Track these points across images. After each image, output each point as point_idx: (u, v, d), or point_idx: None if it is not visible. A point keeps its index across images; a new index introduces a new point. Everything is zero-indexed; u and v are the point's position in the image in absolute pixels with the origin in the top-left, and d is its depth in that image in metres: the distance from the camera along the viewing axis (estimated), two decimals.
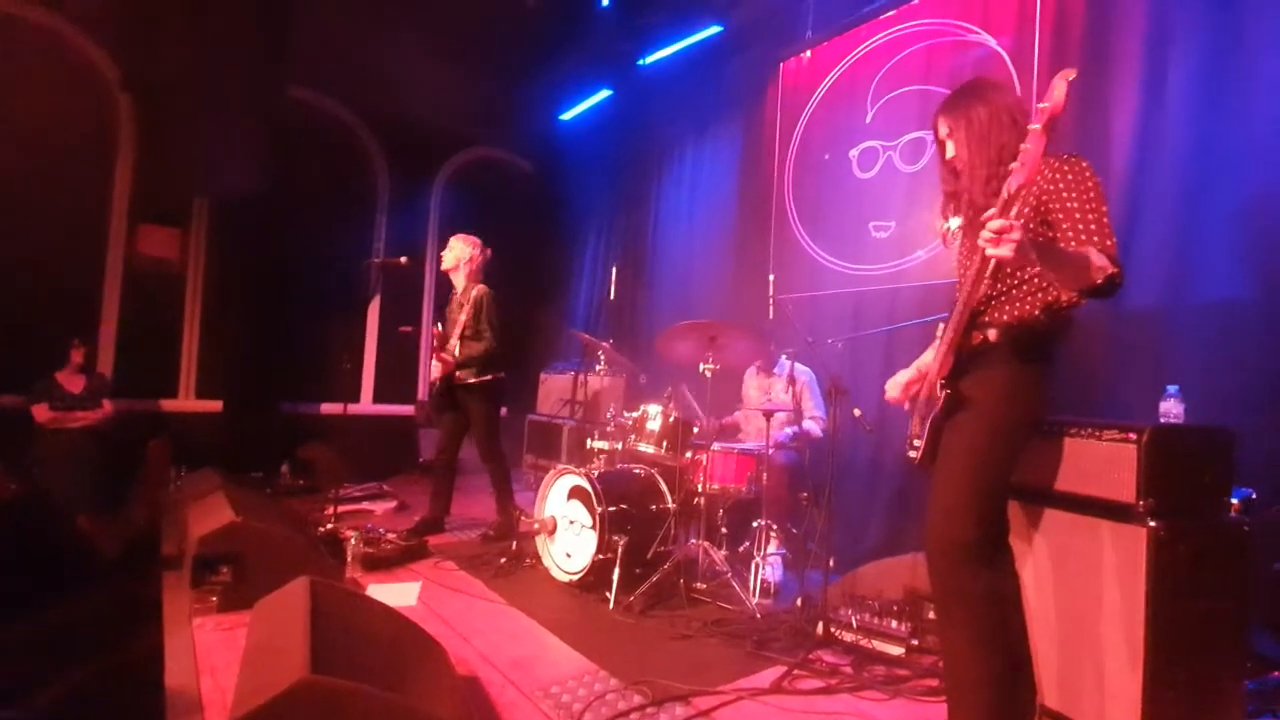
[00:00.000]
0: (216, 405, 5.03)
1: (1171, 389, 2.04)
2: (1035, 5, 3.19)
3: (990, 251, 1.30)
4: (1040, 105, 1.24)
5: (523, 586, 2.91)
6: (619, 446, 3.37)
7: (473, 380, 3.60)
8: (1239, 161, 2.50)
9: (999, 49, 3.31)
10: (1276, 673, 1.91)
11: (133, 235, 4.84)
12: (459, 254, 3.75)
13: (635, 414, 3.24)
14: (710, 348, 2.99)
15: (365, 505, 4.40)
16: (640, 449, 3.15)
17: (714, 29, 4.87)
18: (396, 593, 2.71)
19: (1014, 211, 1.32)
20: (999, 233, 1.28)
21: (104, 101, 4.74)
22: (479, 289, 3.69)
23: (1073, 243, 1.46)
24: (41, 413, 3.96)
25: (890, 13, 3.88)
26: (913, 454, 1.71)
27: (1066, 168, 1.52)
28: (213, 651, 2.13)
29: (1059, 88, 1.22)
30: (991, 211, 1.33)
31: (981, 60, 3.35)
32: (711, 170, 5.18)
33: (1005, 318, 1.58)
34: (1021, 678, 1.59)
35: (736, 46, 4.87)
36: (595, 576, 2.80)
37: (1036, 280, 1.57)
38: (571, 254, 6.53)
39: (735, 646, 2.35)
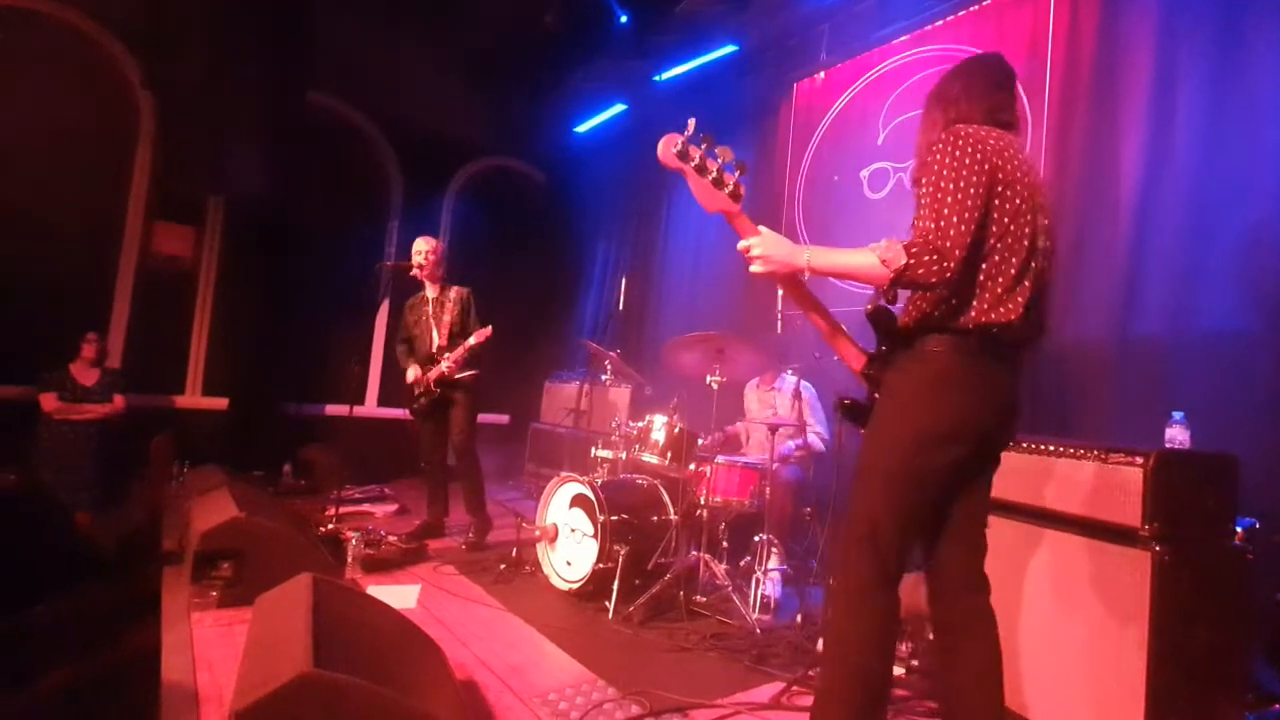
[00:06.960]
0: (222, 403, 5.06)
1: (1177, 415, 2.04)
2: (1047, 35, 3.24)
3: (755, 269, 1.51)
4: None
5: (522, 593, 2.91)
6: (623, 456, 3.38)
7: (461, 376, 3.65)
8: (1244, 194, 2.53)
9: None
10: (1278, 705, 1.89)
11: (148, 232, 4.90)
12: (438, 254, 3.79)
13: (640, 424, 3.25)
14: (717, 359, 3.00)
15: (366, 507, 4.41)
16: (644, 459, 3.16)
17: (729, 48, 4.94)
18: (396, 595, 2.71)
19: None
20: (745, 252, 1.47)
21: (125, 98, 4.81)
22: (460, 289, 3.78)
23: (918, 222, 1.42)
24: (49, 401, 3.93)
25: (904, 38, 3.95)
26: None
27: (940, 142, 1.45)
28: (211, 647, 2.13)
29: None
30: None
31: None
32: None
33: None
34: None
35: (751, 66, 4.93)
36: (595, 586, 2.80)
37: None
38: (581, 264, 6.57)
39: (734, 660, 2.34)
